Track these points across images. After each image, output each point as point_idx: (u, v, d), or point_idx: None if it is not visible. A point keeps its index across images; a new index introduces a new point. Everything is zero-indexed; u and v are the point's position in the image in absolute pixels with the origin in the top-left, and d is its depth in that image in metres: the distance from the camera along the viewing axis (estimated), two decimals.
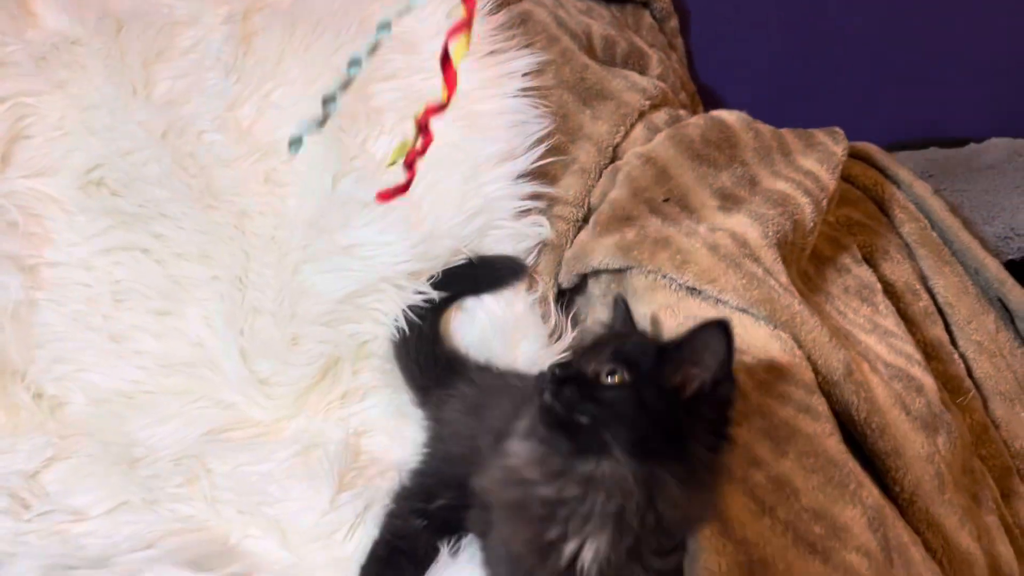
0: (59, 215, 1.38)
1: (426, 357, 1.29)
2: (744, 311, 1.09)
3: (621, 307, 0.95)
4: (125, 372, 1.38)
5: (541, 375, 0.82)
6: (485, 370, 1.26)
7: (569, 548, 0.75)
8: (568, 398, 0.78)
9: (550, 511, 0.77)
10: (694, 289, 1.12)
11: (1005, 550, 1.15)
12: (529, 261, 1.36)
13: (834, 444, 0.94)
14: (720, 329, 0.77)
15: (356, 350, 1.36)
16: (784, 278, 1.12)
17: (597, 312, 1.32)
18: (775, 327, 1.06)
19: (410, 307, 1.31)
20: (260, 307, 1.37)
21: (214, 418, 1.35)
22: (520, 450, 0.83)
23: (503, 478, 0.84)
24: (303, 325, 1.35)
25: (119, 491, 1.20)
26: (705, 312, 1.10)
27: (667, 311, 1.10)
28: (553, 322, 1.35)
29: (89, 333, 1.37)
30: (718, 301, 1.10)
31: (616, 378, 0.78)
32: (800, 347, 1.05)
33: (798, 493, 0.89)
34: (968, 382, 1.36)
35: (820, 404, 0.98)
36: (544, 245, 1.37)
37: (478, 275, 1.33)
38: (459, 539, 1.05)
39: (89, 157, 1.37)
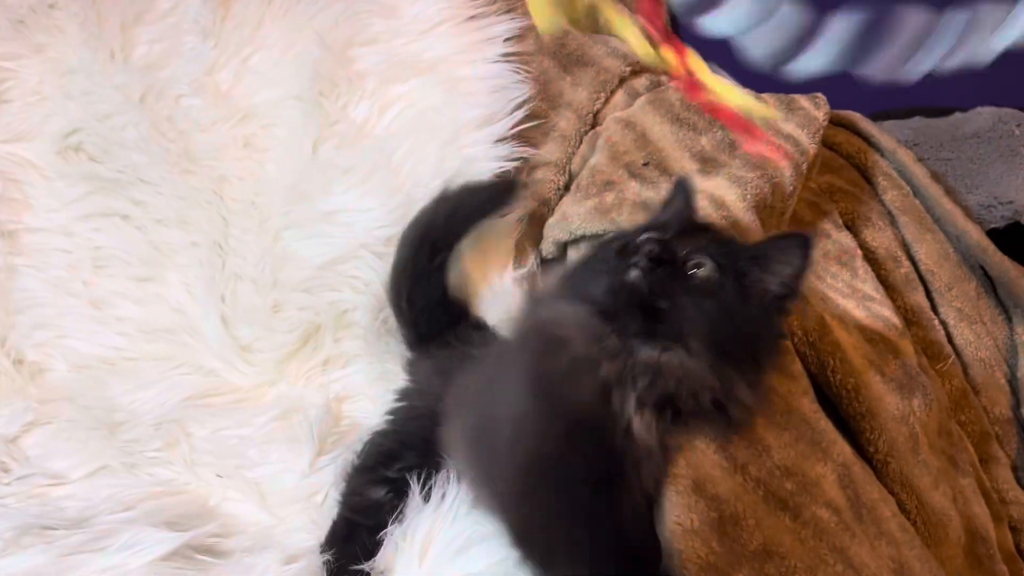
0: (38, 180, 1.38)
1: (428, 301, 1.24)
2: None
3: (683, 190, 0.93)
4: (106, 338, 1.39)
5: (625, 244, 0.80)
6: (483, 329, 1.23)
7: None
8: (659, 280, 0.76)
9: (601, 393, 0.75)
10: None
11: (981, 511, 1.15)
12: (515, 235, 1.35)
13: (807, 403, 0.94)
14: (802, 242, 0.78)
15: (337, 318, 1.36)
16: None
17: None
18: None
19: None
20: (241, 273, 1.37)
21: (195, 384, 1.35)
22: (570, 314, 0.79)
23: (539, 337, 0.81)
24: (284, 292, 1.35)
25: (99, 455, 1.21)
26: None
27: None
28: None
29: (70, 299, 1.37)
30: None
31: (705, 271, 0.77)
32: None
33: (770, 450, 0.89)
34: (948, 348, 1.36)
35: (793, 363, 0.99)
36: (527, 215, 1.36)
37: (473, 202, 1.26)
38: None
39: (67, 122, 1.36)
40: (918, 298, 1.39)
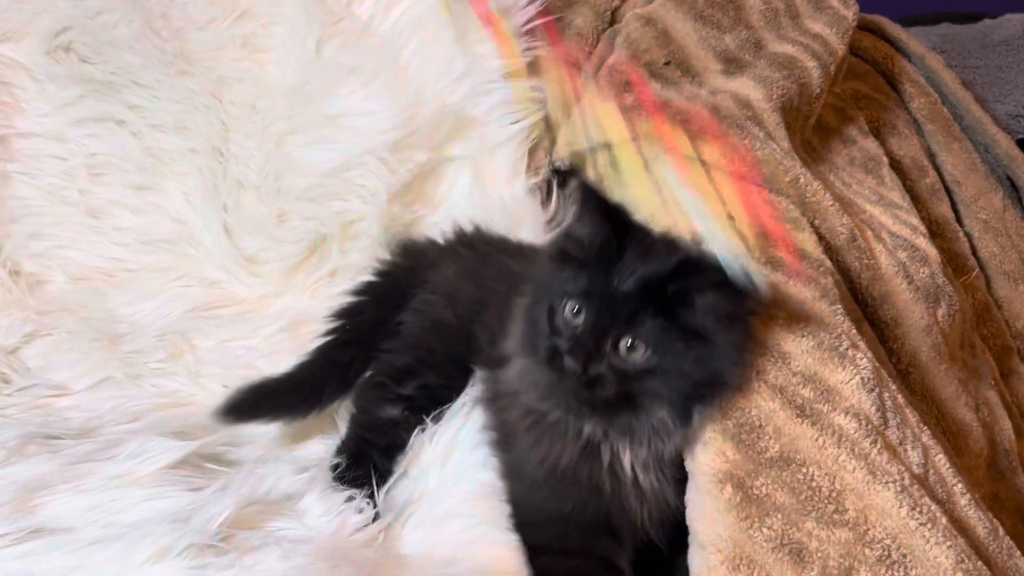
0: (28, 83, 1.32)
1: None
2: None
3: (590, 199, 0.79)
4: (105, 249, 1.35)
5: (551, 313, 0.77)
6: (484, 235, 1.16)
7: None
8: (601, 393, 0.75)
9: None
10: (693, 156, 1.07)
11: (1005, 424, 1.13)
12: (527, 142, 1.30)
13: (825, 307, 0.90)
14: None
15: (343, 229, 1.32)
16: (786, 143, 1.07)
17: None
18: (772, 191, 1.02)
19: None
20: (244, 181, 1.32)
21: (197, 296, 1.32)
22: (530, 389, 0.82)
23: (521, 414, 0.84)
24: (289, 200, 1.31)
25: (101, 366, 1.18)
26: (703, 182, 1.05)
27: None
28: (552, 207, 1.31)
29: (66, 208, 1.33)
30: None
31: (639, 356, 0.74)
32: (803, 214, 1.01)
33: (787, 357, 0.85)
34: (972, 261, 1.33)
35: (810, 268, 0.94)
36: (541, 121, 1.30)
37: None
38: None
39: (56, 20, 1.30)
40: (943, 209, 1.35)
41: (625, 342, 0.74)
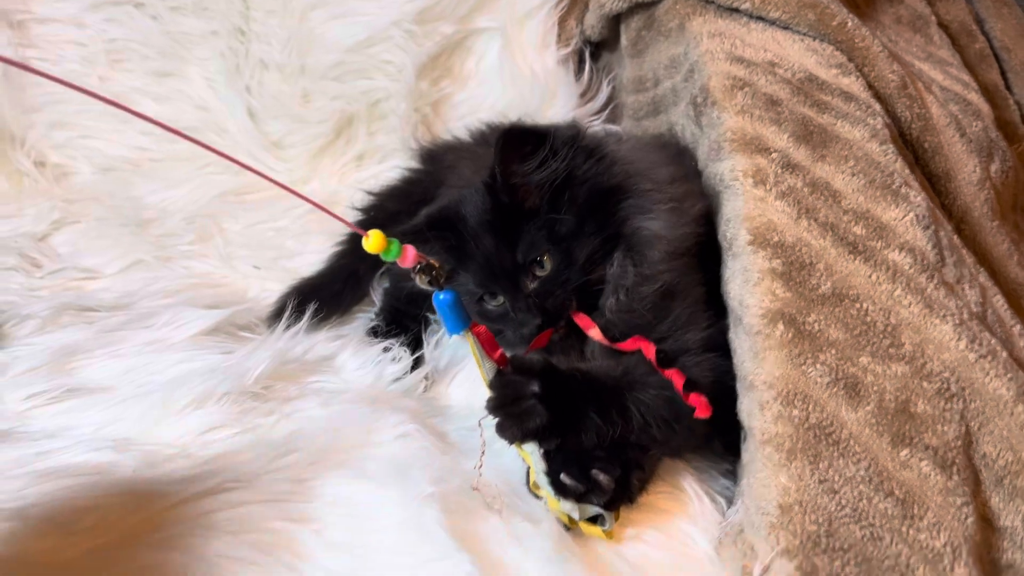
0: None
1: None
2: (785, 27, 1.00)
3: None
4: (129, 138, 1.33)
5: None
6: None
7: None
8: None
9: None
10: (732, 9, 1.03)
11: None
12: (557, 10, 1.25)
13: (876, 147, 0.86)
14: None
15: (370, 108, 1.29)
16: None
17: (626, 69, 1.22)
18: (817, 38, 0.97)
19: None
20: (267, 60, 1.29)
21: (224, 183, 1.30)
22: None
23: None
24: (314, 80, 1.28)
25: (131, 250, 1.17)
26: (743, 34, 1.00)
27: (711, 40, 1.00)
28: (585, 79, 1.27)
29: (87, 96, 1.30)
30: (757, 18, 1.00)
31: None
32: (851, 60, 0.96)
33: (838, 195, 0.82)
34: (1023, 129, 1.27)
35: (859, 111, 0.90)
36: None
37: None
38: None
39: None
40: (993, 76, 1.29)
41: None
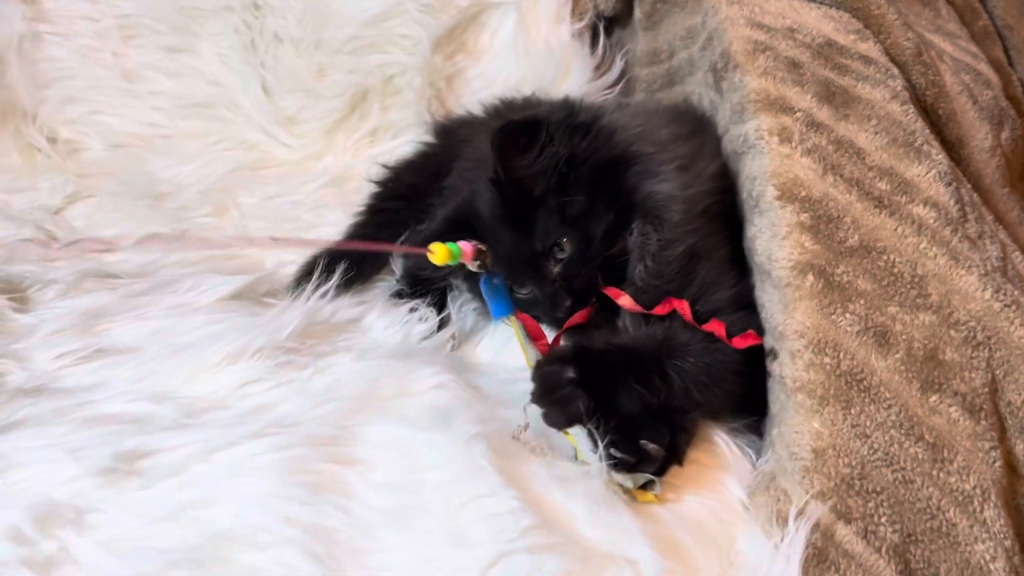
0: None
1: None
2: None
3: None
4: (140, 114, 1.33)
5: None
6: (513, 104, 1.15)
7: None
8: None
9: None
10: None
11: None
12: None
13: (897, 107, 0.88)
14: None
15: (385, 83, 1.29)
16: None
17: (639, 42, 1.24)
18: (834, 6, 0.99)
19: None
20: (282, 34, 1.29)
21: (237, 159, 1.30)
22: None
23: None
24: (328, 54, 1.28)
25: (147, 222, 1.16)
26: (761, 2, 1.01)
27: (730, 7, 1.01)
28: (600, 53, 1.28)
29: (99, 71, 1.30)
30: None
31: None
32: (867, 27, 0.98)
33: (862, 153, 0.84)
34: None
35: (878, 73, 0.92)
36: None
37: None
38: None
39: None
40: (997, 52, 1.31)
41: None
